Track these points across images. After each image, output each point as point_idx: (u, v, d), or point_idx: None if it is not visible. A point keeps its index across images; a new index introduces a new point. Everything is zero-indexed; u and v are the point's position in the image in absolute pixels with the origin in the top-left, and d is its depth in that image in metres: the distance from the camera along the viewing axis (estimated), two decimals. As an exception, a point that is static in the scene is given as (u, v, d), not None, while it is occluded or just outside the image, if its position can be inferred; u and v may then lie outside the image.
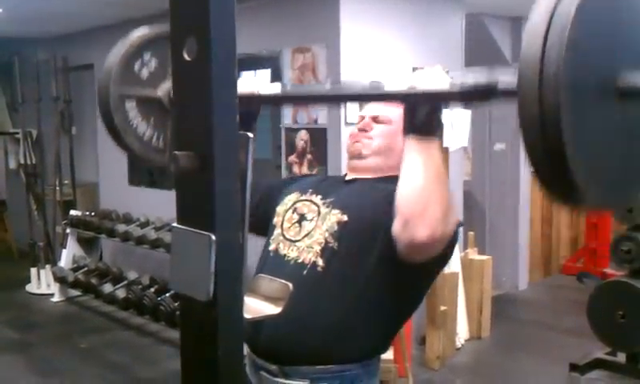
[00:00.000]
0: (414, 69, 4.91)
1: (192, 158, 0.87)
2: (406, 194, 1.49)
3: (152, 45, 1.60)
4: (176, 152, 0.88)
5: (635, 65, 0.99)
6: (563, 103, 0.87)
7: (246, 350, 1.76)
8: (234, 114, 0.88)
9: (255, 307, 1.04)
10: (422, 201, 1.47)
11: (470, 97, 1.25)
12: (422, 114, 1.44)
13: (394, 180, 1.67)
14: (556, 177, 0.92)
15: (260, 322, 1.61)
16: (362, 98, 1.63)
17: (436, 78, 1.38)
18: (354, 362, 1.66)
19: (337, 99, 1.85)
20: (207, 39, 0.84)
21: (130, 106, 1.59)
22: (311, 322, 1.64)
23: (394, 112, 1.82)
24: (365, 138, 1.83)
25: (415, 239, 1.48)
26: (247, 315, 0.95)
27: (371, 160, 1.82)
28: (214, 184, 0.86)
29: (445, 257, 1.65)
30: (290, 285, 1.09)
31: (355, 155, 1.85)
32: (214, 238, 0.87)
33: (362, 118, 1.88)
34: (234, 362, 0.90)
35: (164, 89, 1.55)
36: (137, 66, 1.59)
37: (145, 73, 1.60)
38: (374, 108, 1.87)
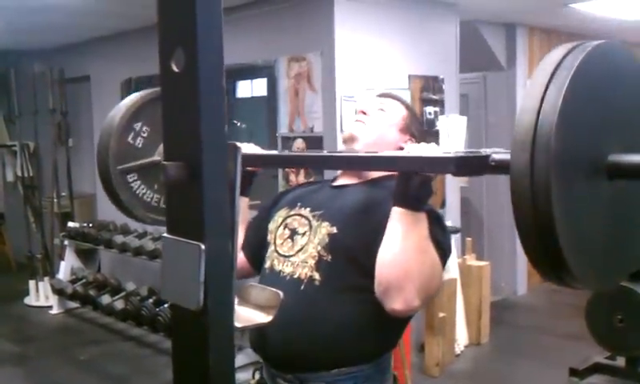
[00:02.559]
0: (410, 76, 4.95)
1: (181, 169, 0.87)
2: (385, 264, 1.54)
3: (140, 114, 1.62)
4: (165, 162, 0.88)
5: (624, 145, 1.01)
6: (554, 180, 0.89)
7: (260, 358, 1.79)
8: (222, 124, 0.89)
9: (246, 316, 1.05)
10: (399, 274, 1.51)
11: (463, 169, 1.27)
12: (414, 185, 1.46)
13: (381, 183, 1.69)
14: (545, 253, 0.94)
15: (268, 335, 1.65)
16: (357, 162, 1.66)
17: (430, 151, 1.44)
18: (367, 362, 1.69)
19: (328, 164, 1.88)
20: (194, 50, 0.85)
21: (132, 178, 1.61)
22: (320, 330, 1.65)
23: (395, 107, 1.87)
24: (360, 123, 1.85)
25: (393, 309, 1.55)
26: (238, 324, 0.96)
27: (362, 145, 1.82)
28: (202, 194, 0.87)
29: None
30: (281, 293, 1.09)
31: (348, 138, 1.86)
32: (203, 247, 0.87)
33: (366, 103, 1.92)
34: (225, 371, 0.90)
35: (161, 151, 1.57)
36: (131, 139, 1.61)
37: (139, 142, 1.62)
38: (377, 100, 1.92)
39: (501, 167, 1.14)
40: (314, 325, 1.65)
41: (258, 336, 1.73)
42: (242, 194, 1.89)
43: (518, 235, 0.97)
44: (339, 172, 1.94)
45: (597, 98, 0.99)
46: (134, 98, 1.66)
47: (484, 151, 1.25)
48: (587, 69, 0.94)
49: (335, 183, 1.89)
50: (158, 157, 1.61)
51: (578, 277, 0.97)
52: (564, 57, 0.95)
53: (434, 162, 1.38)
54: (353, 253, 1.66)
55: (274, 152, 1.74)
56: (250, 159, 1.76)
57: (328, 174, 4.48)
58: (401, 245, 1.50)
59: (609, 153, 0.99)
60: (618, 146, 1.00)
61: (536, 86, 0.93)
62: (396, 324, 1.73)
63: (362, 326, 1.67)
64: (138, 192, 1.64)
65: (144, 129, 1.63)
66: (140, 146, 1.63)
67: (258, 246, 1.88)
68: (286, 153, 1.68)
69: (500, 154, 1.18)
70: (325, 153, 1.73)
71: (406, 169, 1.45)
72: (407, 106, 1.93)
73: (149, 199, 1.66)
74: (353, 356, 1.67)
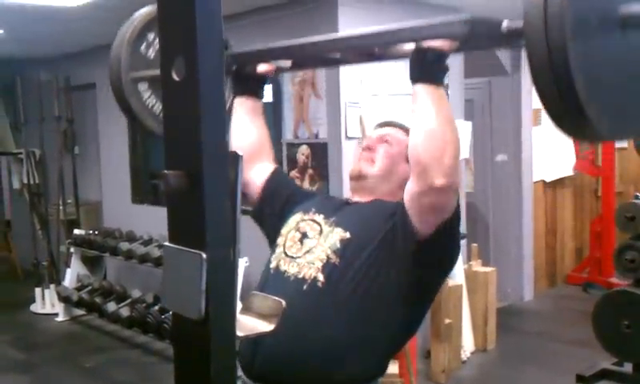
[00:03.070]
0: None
1: (182, 177, 0.87)
2: (422, 141, 1.52)
3: (153, 24, 1.62)
4: (166, 171, 0.88)
5: None
6: (569, 37, 0.89)
7: (240, 372, 1.75)
8: (222, 132, 0.89)
9: (248, 324, 1.04)
10: (438, 145, 1.51)
11: (474, 37, 1.26)
12: (430, 58, 1.47)
13: (392, 203, 1.70)
14: (567, 111, 0.94)
15: (256, 344, 1.62)
16: (369, 41, 1.64)
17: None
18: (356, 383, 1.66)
19: (342, 47, 1.80)
20: (195, 59, 0.85)
21: (143, 88, 1.61)
22: (310, 343, 1.63)
23: (400, 136, 1.86)
24: (367, 160, 1.86)
25: (434, 184, 1.51)
26: (240, 333, 0.95)
27: (371, 182, 1.85)
28: (203, 202, 0.87)
29: (454, 225, 1.66)
30: (283, 302, 1.09)
31: (355, 175, 1.88)
32: (204, 256, 0.87)
33: (369, 139, 1.93)
34: (227, 380, 0.90)
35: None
36: (143, 48, 1.61)
37: (152, 53, 1.62)
38: (379, 131, 1.93)
39: (515, 33, 1.12)
40: (309, 331, 1.63)
41: (247, 344, 1.69)
42: (254, 95, 1.91)
43: (538, 94, 0.97)
44: (351, 193, 1.95)
45: None
46: (148, 9, 1.65)
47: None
48: None
49: (349, 201, 1.92)
50: None
51: (596, 124, 0.97)
52: None
53: (444, 27, 1.37)
54: (363, 260, 1.66)
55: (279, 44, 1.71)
56: (253, 56, 1.74)
57: (333, 181, 4.49)
58: (432, 119, 1.50)
59: (621, 3, 0.99)
60: None
61: None
62: (389, 346, 1.73)
63: (355, 346, 1.64)
64: (148, 103, 1.63)
65: (157, 40, 1.62)
66: (152, 56, 1.63)
67: (273, 197, 1.93)
68: (289, 42, 1.62)
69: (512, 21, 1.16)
70: (335, 35, 1.69)
71: (418, 37, 1.44)
72: (407, 131, 1.93)
73: (158, 111, 1.65)
74: (339, 377, 1.64)
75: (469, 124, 5.14)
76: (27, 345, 5.79)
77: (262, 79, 1.89)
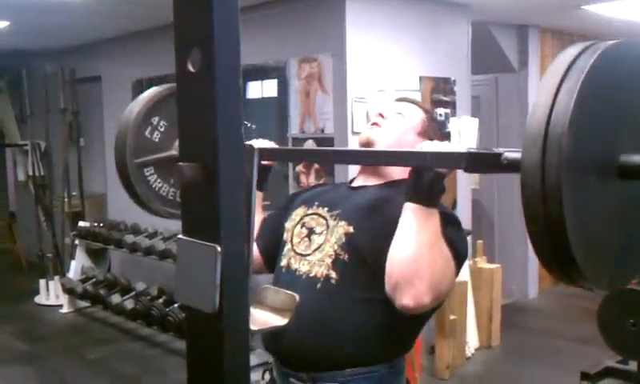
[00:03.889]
0: (421, 78, 4.93)
1: (197, 170, 0.86)
2: (397, 259, 1.53)
3: (157, 108, 1.64)
4: (181, 163, 0.87)
5: (637, 145, 1.00)
6: (565, 180, 0.89)
7: (272, 358, 1.79)
8: (238, 124, 0.88)
9: (262, 319, 1.04)
10: (410, 269, 1.50)
11: (474, 166, 1.27)
12: (426, 180, 1.46)
13: (398, 187, 1.68)
14: (556, 253, 0.93)
15: (283, 333, 1.62)
16: (369, 157, 1.67)
17: (442, 147, 1.45)
18: (381, 363, 1.68)
19: (341, 158, 1.87)
20: (211, 50, 0.84)
21: (149, 172, 1.63)
22: (335, 329, 1.65)
23: (414, 110, 1.86)
24: (377, 127, 1.84)
25: (402, 305, 1.53)
26: (253, 327, 0.95)
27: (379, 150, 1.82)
28: (219, 195, 0.86)
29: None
30: (297, 296, 1.08)
31: (364, 142, 1.86)
32: (219, 249, 0.86)
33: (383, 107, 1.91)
34: (241, 374, 0.89)
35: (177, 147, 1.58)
36: (148, 133, 1.63)
37: (157, 136, 1.64)
38: (395, 104, 1.92)
39: (512, 166, 1.13)
40: (329, 324, 1.65)
41: (272, 335, 1.72)
42: (258, 188, 1.89)
43: (528, 234, 0.97)
44: (357, 173, 1.93)
45: (609, 97, 0.98)
46: (151, 92, 1.67)
47: (496, 150, 1.24)
48: (600, 68, 0.93)
49: (353, 184, 1.89)
50: (174, 151, 1.62)
51: (589, 276, 0.97)
52: (577, 56, 0.94)
53: (446, 158, 1.38)
54: (369, 252, 1.66)
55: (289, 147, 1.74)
56: (264, 153, 1.75)
57: (339, 175, 4.48)
58: (412, 240, 1.49)
59: (621, 153, 0.99)
60: (630, 146, 1.00)
61: (548, 86, 0.93)
62: (411, 325, 1.72)
63: (378, 327, 1.66)
64: (154, 186, 1.65)
65: (161, 123, 1.65)
66: (157, 140, 1.64)
67: (273, 244, 1.88)
68: (300, 148, 1.68)
69: (513, 152, 1.17)
70: (338, 148, 1.72)
71: (417, 164, 1.45)
72: (425, 110, 1.92)
73: (165, 193, 1.67)
74: (367, 356, 1.66)
75: (475, 120, 5.12)
76: (31, 336, 5.80)
77: (267, 171, 1.88)
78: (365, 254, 1.66)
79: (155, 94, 1.66)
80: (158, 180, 1.66)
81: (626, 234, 1.05)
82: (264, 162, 1.78)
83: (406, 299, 1.51)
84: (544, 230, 0.92)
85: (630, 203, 1.03)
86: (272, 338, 1.73)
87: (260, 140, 1.79)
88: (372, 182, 1.84)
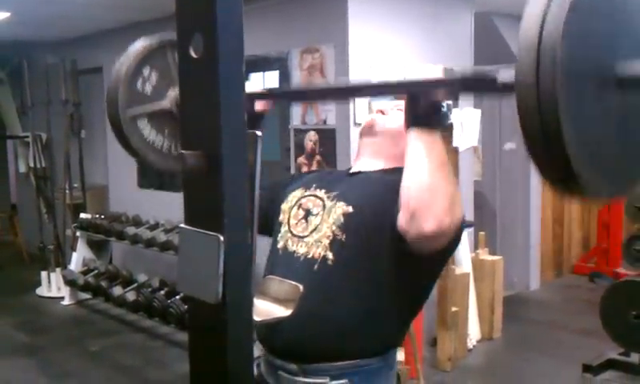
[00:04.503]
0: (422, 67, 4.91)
1: (199, 158, 0.85)
2: (411, 187, 1.50)
3: (148, 59, 1.62)
4: (183, 152, 0.86)
5: (633, 53, 0.98)
6: (560, 92, 0.87)
7: (261, 350, 1.76)
8: (241, 112, 0.86)
9: (265, 309, 1.02)
10: (427, 193, 1.47)
11: (468, 86, 1.25)
12: (423, 105, 1.46)
13: (397, 172, 1.67)
14: (555, 167, 0.91)
15: (275, 322, 1.61)
16: (364, 90, 1.62)
17: (436, 74, 1.44)
18: (372, 357, 1.66)
19: (340, 94, 1.85)
20: (214, 35, 0.82)
21: (143, 124, 1.61)
22: (327, 319, 1.63)
23: None
24: (380, 117, 1.84)
25: (423, 232, 1.48)
26: (257, 317, 0.93)
27: (380, 139, 1.82)
28: (222, 184, 0.84)
29: (451, 250, 1.65)
30: (301, 286, 1.07)
31: (366, 130, 1.86)
32: (222, 238, 0.85)
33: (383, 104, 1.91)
34: (244, 366, 0.88)
35: (171, 98, 1.57)
36: (139, 84, 1.61)
37: (148, 88, 1.62)
38: (395, 101, 1.89)
39: (508, 84, 1.11)
40: (324, 311, 1.62)
41: (263, 325, 1.68)
42: (254, 129, 1.88)
43: (527, 149, 0.95)
44: (354, 160, 1.92)
45: (604, 5, 0.96)
46: (140, 44, 1.65)
47: (491, 70, 1.22)
48: None
49: (351, 170, 1.89)
50: (167, 103, 1.61)
51: (589, 187, 0.95)
52: None
53: (440, 83, 1.36)
54: (367, 232, 1.64)
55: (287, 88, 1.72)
56: (256, 96, 1.75)
57: (340, 166, 4.46)
58: (424, 165, 1.48)
59: (617, 61, 0.97)
60: (628, 54, 0.98)
61: None
62: (404, 315, 1.72)
63: (370, 318, 1.64)
64: (148, 138, 1.64)
65: (152, 75, 1.63)
66: (149, 92, 1.63)
67: (267, 212, 1.86)
68: (294, 86, 1.68)
69: (508, 72, 1.14)
70: (334, 83, 1.71)
71: (412, 91, 1.44)
72: (402, 92, 1.91)
73: (159, 145, 1.66)
74: (360, 348, 1.65)
75: (478, 112, 5.10)
76: (33, 328, 5.80)
77: (260, 116, 1.85)
78: (363, 235, 1.64)
79: (145, 46, 1.64)
80: (152, 132, 1.64)
81: (625, 143, 1.03)
82: (258, 107, 1.77)
83: (428, 224, 1.46)
84: (542, 141, 0.91)
85: (629, 112, 1.02)
86: (267, 328, 1.67)
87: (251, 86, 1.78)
88: (370, 167, 1.83)
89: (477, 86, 1.24)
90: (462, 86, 1.25)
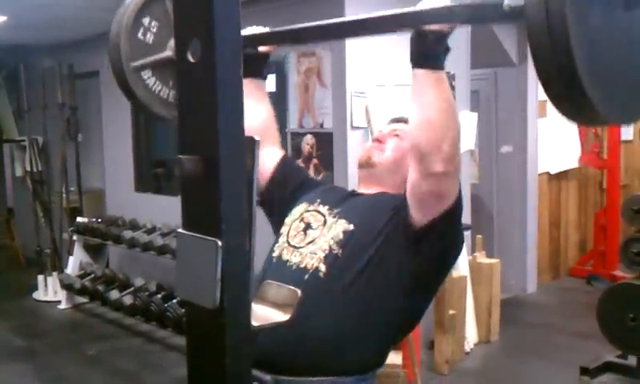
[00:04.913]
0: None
1: (197, 162, 0.85)
2: (420, 127, 1.51)
3: (147, 9, 1.60)
4: (180, 156, 0.86)
5: None
6: (570, 15, 0.87)
7: None
8: (239, 116, 0.86)
9: (263, 314, 1.02)
10: (436, 132, 1.49)
11: (477, 16, 1.24)
12: (429, 41, 1.44)
13: (397, 196, 1.68)
14: (568, 91, 0.91)
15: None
16: (369, 25, 1.59)
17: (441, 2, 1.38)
18: (351, 375, 1.63)
19: (342, 31, 1.86)
20: (212, 39, 0.82)
21: (147, 75, 1.60)
22: (310, 332, 1.60)
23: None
24: (377, 149, 1.85)
25: (433, 170, 1.50)
26: (255, 323, 0.93)
27: (379, 170, 1.84)
28: (219, 188, 0.84)
29: (454, 215, 1.64)
30: (299, 291, 1.06)
31: (364, 162, 1.87)
32: (220, 243, 0.84)
33: (380, 132, 1.92)
34: (242, 371, 0.88)
35: (172, 46, 1.55)
36: (140, 34, 1.60)
37: (150, 37, 1.61)
38: (391, 126, 1.91)
39: (516, 13, 1.10)
40: (306, 325, 1.59)
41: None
42: (258, 75, 1.89)
43: (540, 79, 0.95)
44: (358, 184, 1.93)
45: None
46: None
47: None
48: None
49: (355, 192, 1.90)
50: (169, 52, 1.60)
51: (601, 110, 0.95)
52: None
53: (445, 13, 1.33)
54: (366, 252, 1.64)
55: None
56: (259, 38, 1.73)
57: (337, 170, 4.47)
58: (432, 105, 1.48)
59: None
60: None
61: None
62: (387, 337, 1.71)
63: (354, 336, 1.63)
64: (153, 88, 1.62)
65: (153, 24, 1.62)
66: (151, 41, 1.62)
67: (278, 178, 1.91)
68: (295, 26, 1.66)
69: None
70: (335, 20, 1.68)
71: (418, 23, 1.41)
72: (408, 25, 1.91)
73: (165, 95, 1.65)
74: (338, 366, 1.62)
75: (474, 115, 5.11)
76: (30, 332, 5.78)
77: (265, 58, 1.85)
78: (361, 253, 1.64)
79: None
80: (157, 82, 1.63)
81: (633, 63, 1.03)
82: (261, 49, 1.75)
83: (437, 164, 1.49)
84: (554, 70, 0.91)
85: (636, 32, 1.01)
86: None
87: (254, 27, 1.77)
88: (372, 190, 1.84)
89: (486, 13, 1.22)
90: (471, 14, 1.23)
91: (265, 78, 1.93)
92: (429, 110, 1.49)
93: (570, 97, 0.94)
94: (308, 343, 1.60)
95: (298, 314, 1.57)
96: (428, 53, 1.46)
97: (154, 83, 1.64)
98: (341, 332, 1.62)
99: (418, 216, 1.60)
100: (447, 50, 1.48)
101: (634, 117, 1.11)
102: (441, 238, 1.65)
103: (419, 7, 1.39)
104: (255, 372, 1.63)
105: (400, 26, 1.49)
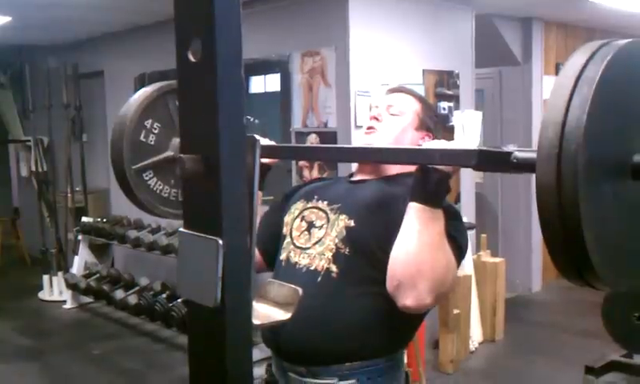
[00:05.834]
0: (424, 71, 4.91)
1: (198, 162, 0.85)
2: (400, 260, 1.51)
3: (149, 111, 1.62)
4: (182, 155, 0.86)
5: None
6: (582, 194, 0.89)
7: (271, 352, 1.78)
8: (240, 115, 0.86)
9: (264, 313, 1.02)
10: (413, 270, 1.49)
11: (484, 164, 1.24)
12: (433, 180, 1.44)
13: (398, 180, 1.66)
14: (572, 255, 0.92)
15: (282, 327, 1.61)
16: (375, 154, 1.62)
17: (451, 144, 1.42)
18: (380, 357, 1.67)
19: (344, 156, 1.89)
20: (212, 39, 0.82)
21: (149, 176, 1.62)
22: (334, 323, 1.64)
23: (407, 104, 1.83)
24: (374, 135, 1.81)
25: (404, 305, 1.52)
26: (256, 321, 0.93)
27: None
28: (220, 187, 0.84)
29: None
30: (300, 290, 1.06)
31: None
32: (221, 242, 0.85)
33: (376, 107, 1.86)
34: (244, 370, 0.88)
35: (174, 146, 1.58)
36: (143, 137, 1.61)
37: (152, 139, 1.62)
38: (387, 98, 1.87)
39: (523, 166, 1.12)
40: (329, 318, 1.64)
41: (270, 328, 1.70)
42: (260, 189, 1.86)
43: (545, 241, 0.96)
44: (355, 168, 1.91)
45: (622, 100, 0.97)
46: (141, 94, 1.65)
47: (505, 148, 1.22)
48: (612, 72, 0.92)
49: (352, 179, 1.88)
50: (171, 152, 1.61)
51: (607, 280, 0.96)
52: (585, 64, 0.93)
53: (456, 155, 1.34)
54: (370, 246, 1.65)
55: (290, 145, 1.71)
56: (264, 150, 1.73)
57: (342, 170, 4.46)
58: (415, 241, 1.48)
59: (633, 153, 0.98)
60: None
61: (559, 97, 0.91)
62: (411, 320, 1.71)
63: (377, 321, 1.65)
64: (155, 189, 1.64)
65: (155, 125, 1.63)
66: (153, 142, 1.62)
67: (271, 241, 1.86)
68: (302, 145, 1.67)
69: (523, 152, 1.15)
70: (341, 145, 1.69)
71: (425, 162, 1.41)
72: (419, 99, 1.89)
73: (167, 194, 1.66)
74: (366, 350, 1.66)
75: (479, 114, 5.10)
76: (35, 332, 5.80)
77: (266, 170, 1.82)
78: (365, 249, 1.65)
79: (145, 96, 1.63)
80: (159, 182, 1.65)
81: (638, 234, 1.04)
82: (263, 161, 1.75)
83: (409, 300, 1.51)
84: (560, 236, 0.93)
85: None
86: (271, 331, 1.72)
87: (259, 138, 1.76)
88: (371, 176, 1.82)
89: (493, 160, 1.22)
90: (478, 160, 1.23)
91: (262, 189, 1.88)
92: (411, 245, 1.48)
93: (572, 259, 0.95)
94: (335, 334, 1.64)
95: (321, 310, 1.62)
96: (429, 190, 1.46)
97: (156, 183, 1.65)
98: (366, 320, 1.64)
99: None
100: (448, 190, 1.48)
101: (634, 285, 1.13)
102: None
103: (430, 145, 1.43)
104: (287, 363, 1.70)
105: (411, 161, 1.51)
